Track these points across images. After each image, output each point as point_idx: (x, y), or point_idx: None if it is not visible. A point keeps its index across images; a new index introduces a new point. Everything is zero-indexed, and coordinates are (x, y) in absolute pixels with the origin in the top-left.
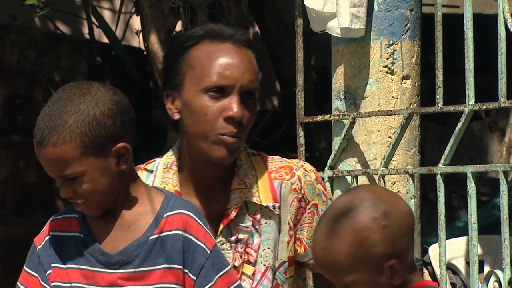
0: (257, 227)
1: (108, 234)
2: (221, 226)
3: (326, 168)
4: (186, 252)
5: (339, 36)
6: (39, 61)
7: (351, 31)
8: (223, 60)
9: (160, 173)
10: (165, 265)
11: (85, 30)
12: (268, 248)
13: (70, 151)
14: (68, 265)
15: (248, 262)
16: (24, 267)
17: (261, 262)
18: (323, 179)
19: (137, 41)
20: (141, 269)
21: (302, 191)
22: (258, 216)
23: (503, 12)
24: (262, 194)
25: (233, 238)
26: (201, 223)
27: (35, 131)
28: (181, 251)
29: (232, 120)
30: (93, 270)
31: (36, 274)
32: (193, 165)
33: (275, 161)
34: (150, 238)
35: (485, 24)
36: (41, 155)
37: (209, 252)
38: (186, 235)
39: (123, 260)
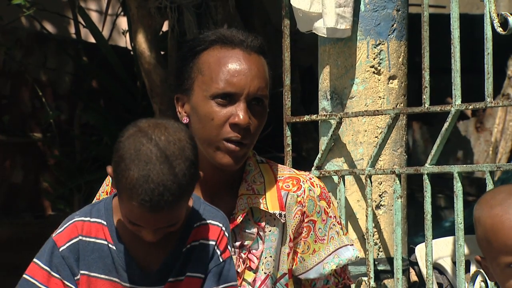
0: (261, 234)
1: (140, 246)
2: None
3: (313, 168)
4: (210, 261)
5: (325, 36)
6: (25, 61)
7: (337, 31)
8: (231, 67)
9: None
10: (189, 274)
11: (72, 30)
12: (270, 256)
13: (183, 207)
14: (97, 275)
15: (250, 269)
16: (39, 263)
17: (262, 270)
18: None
19: (123, 41)
20: (171, 279)
21: (305, 205)
22: (263, 224)
23: (490, 13)
24: (269, 202)
25: (237, 243)
26: (226, 234)
27: (142, 195)
28: (207, 260)
29: (238, 126)
30: (124, 285)
31: (57, 275)
32: (201, 168)
33: (284, 171)
34: (183, 250)
35: (472, 24)
36: (153, 217)
37: (221, 261)
38: (215, 247)
39: (159, 279)
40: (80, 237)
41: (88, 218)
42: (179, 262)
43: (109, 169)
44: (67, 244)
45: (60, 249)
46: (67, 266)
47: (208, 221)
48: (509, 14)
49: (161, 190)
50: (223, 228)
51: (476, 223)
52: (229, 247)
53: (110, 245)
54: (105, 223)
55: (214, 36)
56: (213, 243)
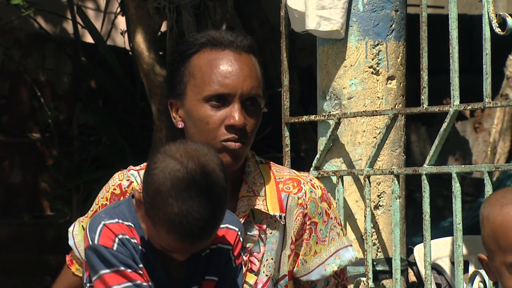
0: (262, 236)
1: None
2: None
3: (311, 169)
4: (224, 265)
5: (319, 36)
6: (24, 61)
7: (332, 33)
8: (222, 68)
9: None
10: (207, 277)
11: (70, 30)
12: (272, 258)
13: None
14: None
15: (251, 271)
16: (107, 271)
17: (264, 272)
18: (329, 196)
19: (122, 41)
20: (196, 286)
21: (306, 207)
22: (264, 226)
23: (488, 13)
24: (269, 203)
25: None
26: (241, 240)
27: (182, 229)
28: (222, 264)
29: (233, 128)
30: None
31: (130, 270)
32: None
33: (284, 172)
34: (203, 254)
35: (470, 24)
36: (191, 247)
37: (234, 266)
38: (230, 251)
39: (181, 284)
40: (119, 236)
41: (116, 220)
42: (201, 267)
43: (137, 194)
44: (116, 242)
45: (114, 248)
46: (129, 258)
47: (225, 225)
48: (507, 15)
49: (201, 225)
50: (239, 233)
51: (483, 221)
52: (241, 252)
53: (142, 249)
54: (132, 225)
55: (203, 38)
56: (230, 247)
